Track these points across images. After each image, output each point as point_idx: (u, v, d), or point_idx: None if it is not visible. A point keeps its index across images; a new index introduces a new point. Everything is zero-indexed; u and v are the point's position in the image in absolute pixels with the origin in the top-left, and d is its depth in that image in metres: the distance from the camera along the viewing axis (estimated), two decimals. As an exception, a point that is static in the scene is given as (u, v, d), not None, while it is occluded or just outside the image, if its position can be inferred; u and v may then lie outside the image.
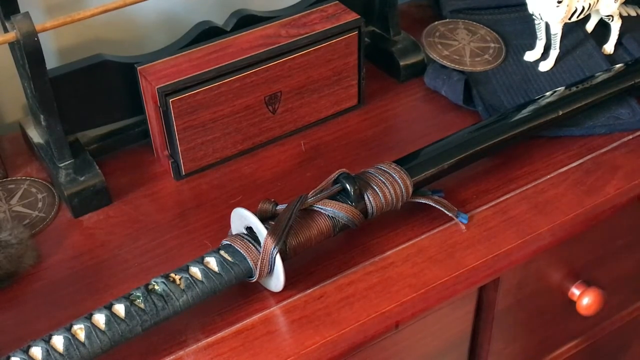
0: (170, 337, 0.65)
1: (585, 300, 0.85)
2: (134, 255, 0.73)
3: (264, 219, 0.67)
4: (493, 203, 0.77)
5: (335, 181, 0.70)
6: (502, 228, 0.74)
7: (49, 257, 0.73)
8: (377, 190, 0.70)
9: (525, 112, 0.81)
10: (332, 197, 0.69)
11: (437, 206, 0.73)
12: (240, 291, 0.68)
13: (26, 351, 0.58)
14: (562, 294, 0.87)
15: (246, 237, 0.67)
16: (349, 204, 0.68)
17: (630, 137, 0.84)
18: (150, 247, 0.74)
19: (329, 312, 0.67)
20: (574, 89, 0.84)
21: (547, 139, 0.84)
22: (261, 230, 0.65)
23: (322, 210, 0.68)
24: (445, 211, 0.74)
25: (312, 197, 0.68)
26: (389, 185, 0.70)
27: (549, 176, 0.80)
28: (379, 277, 0.69)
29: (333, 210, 0.68)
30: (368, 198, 0.69)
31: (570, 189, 0.78)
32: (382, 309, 0.67)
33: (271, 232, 0.64)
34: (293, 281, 0.69)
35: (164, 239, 0.75)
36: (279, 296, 0.68)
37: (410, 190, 0.71)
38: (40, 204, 0.79)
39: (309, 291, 0.69)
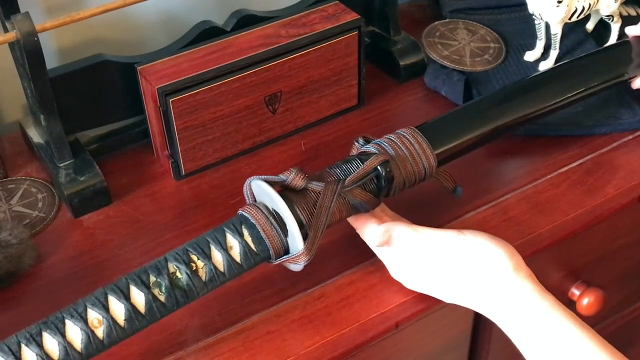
0: (170, 337, 0.65)
1: (585, 300, 0.85)
2: (134, 255, 0.73)
3: (286, 188, 0.64)
4: (493, 203, 0.77)
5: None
6: (502, 228, 0.74)
7: (49, 257, 0.73)
8: (406, 180, 0.67)
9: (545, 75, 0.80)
10: (364, 184, 0.66)
11: (440, 180, 0.71)
12: (240, 291, 0.68)
13: (40, 345, 0.56)
14: (562, 294, 0.87)
15: (272, 221, 0.63)
16: (373, 191, 0.66)
17: (630, 137, 0.84)
18: (150, 247, 0.74)
19: (329, 312, 0.67)
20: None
21: (547, 139, 0.84)
22: (296, 235, 0.62)
23: (349, 200, 0.65)
24: (447, 185, 0.72)
25: (349, 186, 0.64)
26: (417, 173, 0.68)
27: (549, 176, 0.80)
28: (379, 277, 0.69)
29: (360, 203, 0.65)
30: (394, 187, 0.67)
31: (570, 189, 0.78)
32: (382, 309, 0.67)
33: (308, 247, 0.62)
34: (293, 281, 0.69)
35: (164, 239, 0.75)
36: (279, 296, 0.68)
37: (433, 175, 0.69)
38: (40, 204, 0.79)
39: (309, 291, 0.69)
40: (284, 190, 0.64)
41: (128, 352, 0.63)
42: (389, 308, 0.67)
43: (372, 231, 0.67)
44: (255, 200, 0.67)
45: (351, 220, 0.69)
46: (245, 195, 0.67)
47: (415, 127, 0.70)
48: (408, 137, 0.69)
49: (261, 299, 0.68)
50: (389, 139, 0.69)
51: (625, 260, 0.93)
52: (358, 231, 0.69)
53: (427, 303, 0.67)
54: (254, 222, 0.63)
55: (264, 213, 0.63)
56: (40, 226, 0.76)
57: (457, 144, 0.72)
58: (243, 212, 0.64)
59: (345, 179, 0.65)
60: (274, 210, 0.64)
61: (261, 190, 0.65)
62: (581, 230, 0.75)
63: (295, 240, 0.63)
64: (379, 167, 0.65)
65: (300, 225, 0.63)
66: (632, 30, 0.86)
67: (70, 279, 0.71)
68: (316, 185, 0.64)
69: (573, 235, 0.75)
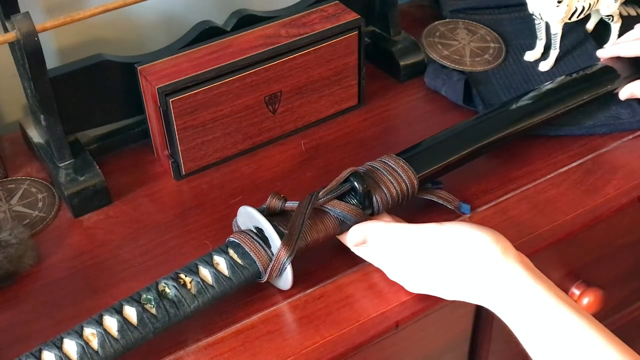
0: (170, 337, 0.65)
1: (585, 300, 0.85)
2: (134, 255, 0.73)
3: (271, 214, 0.67)
4: (493, 203, 0.77)
5: (344, 179, 0.69)
6: (502, 228, 0.74)
7: (49, 257, 0.73)
8: (385, 191, 0.69)
9: (529, 103, 0.81)
10: (341, 196, 0.69)
11: (440, 201, 0.73)
12: (240, 291, 0.68)
13: (38, 357, 0.58)
14: (562, 294, 0.87)
15: (255, 238, 0.66)
16: (356, 204, 0.68)
17: (630, 137, 0.84)
18: (150, 247, 0.74)
19: (329, 312, 0.67)
20: (574, 75, 0.85)
21: (547, 139, 0.84)
22: (274, 238, 0.65)
23: (330, 212, 0.68)
24: (447, 205, 0.73)
25: (323, 197, 0.67)
26: (396, 185, 0.70)
27: (549, 176, 0.80)
28: (379, 277, 0.69)
29: (342, 214, 0.68)
30: (376, 198, 0.69)
31: (570, 189, 0.78)
32: (382, 309, 0.67)
33: (285, 242, 0.64)
34: (293, 281, 0.68)
35: (164, 239, 0.75)
36: (279, 296, 0.68)
37: (416, 188, 0.71)
38: (40, 204, 0.79)
39: (309, 291, 0.69)
40: (267, 217, 0.67)
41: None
42: (389, 308, 0.67)
43: (349, 233, 0.68)
44: None
45: (340, 237, 0.70)
46: (234, 228, 0.70)
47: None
48: (382, 159, 0.72)
49: (261, 299, 0.68)
50: (365, 164, 0.72)
51: (625, 260, 0.93)
52: (342, 240, 0.70)
53: (427, 303, 0.67)
54: (238, 241, 0.66)
55: (247, 233, 0.67)
56: (40, 226, 0.76)
57: (436, 166, 0.74)
58: (228, 238, 0.67)
59: (319, 192, 0.68)
60: (257, 228, 0.67)
61: (244, 216, 0.69)
62: (581, 230, 0.75)
63: (277, 247, 0.65)
64: (354, 182, 0.68)
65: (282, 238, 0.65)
66: (604, 53, 0.89)
67: (70, 279, 0.71)
68: (293, 204, 0.67)
69: (573, 235, 0.75)
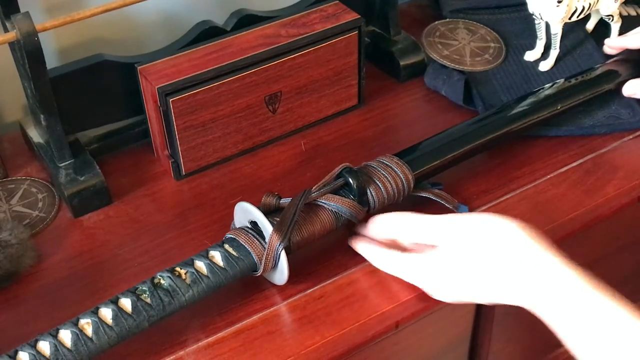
0: (170, 337, 0.65)
1: (585, 300, 0.84)
2: (134, 255, 0.73)
3: (267, 213, 0.67)
4: (493, 203, 0.77)
5: (339, 175, 0.70)
6: (502, 228, 0.74)
7: (49, 257, 0.73)
8: (380, 185, 0.70)
9: (525, 104, 0.81)
10: (335, 191, 0.69)
11: (437, 199, 0.74)
12: (240, 291, 0.69)
13: (34, 345, 0.58)
14: (562, 294, 0.87)
15: (250, 231, 0.67)
16: (351, 199, 0.69)
17: (630, 137, 0.84)
18: (150, 247, 0.74)
19: (329, 312, 0.67)
20: (573, 80, 0.85)
21: (547, 139, 0.84)
22: (266, 226, 0.65)
23: (325, 205, 0.68)
24: (446, 204, 0.74)
25: (316, 191, 0.68)
26: (391, 180, 0.70)
27: (549, 176, 0.80)
28: (379, 277, 0.69)
29: (336, 206, 0.68)
30: (371, 193, 0.69)
31: (570, 189, 0.78)
32: (382, 309, 0.67)
33: (277, 228, 0.65)
34: (293, 281, 0.69)
35: (164, 239, 0.75)
36: (280, 296, 0.68)
37: (412, 184, 0.72)
38: (40, 204, 0.79)
39: (309, 291, 0.69)
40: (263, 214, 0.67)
41: (128, 351, 0.64)
42: (389, 308, 0.67)
43: (370, 223, 0.69)
44: None
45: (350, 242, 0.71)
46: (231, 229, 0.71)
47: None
48: (376, 158, 0.73)
49: (261, 299, 0.68)
50: (361, 165, 0.73)
51: (625, 261, 0.93)
52: (352, 246, 0.71)
53: (427, 303, 0.67)
54: (233, 236, 0.67)
55: (242, 228, 0.67)
56: (40, 226, 0.76)
57: (432, 163, 0.75)
58: (225, 235, 0.68)
59: (312, 187, 0.68)
60: (252, 222, 0.68)
61: (239, 214, 0.70)
62: (581, 230, 0.75)
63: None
64: (348, 177, 0.69)
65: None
66: (612, 42, 0.90)
67: (70, 279, 0.71)
68: (287, 200, 0.68)
69: (573, 235, 0.75)
